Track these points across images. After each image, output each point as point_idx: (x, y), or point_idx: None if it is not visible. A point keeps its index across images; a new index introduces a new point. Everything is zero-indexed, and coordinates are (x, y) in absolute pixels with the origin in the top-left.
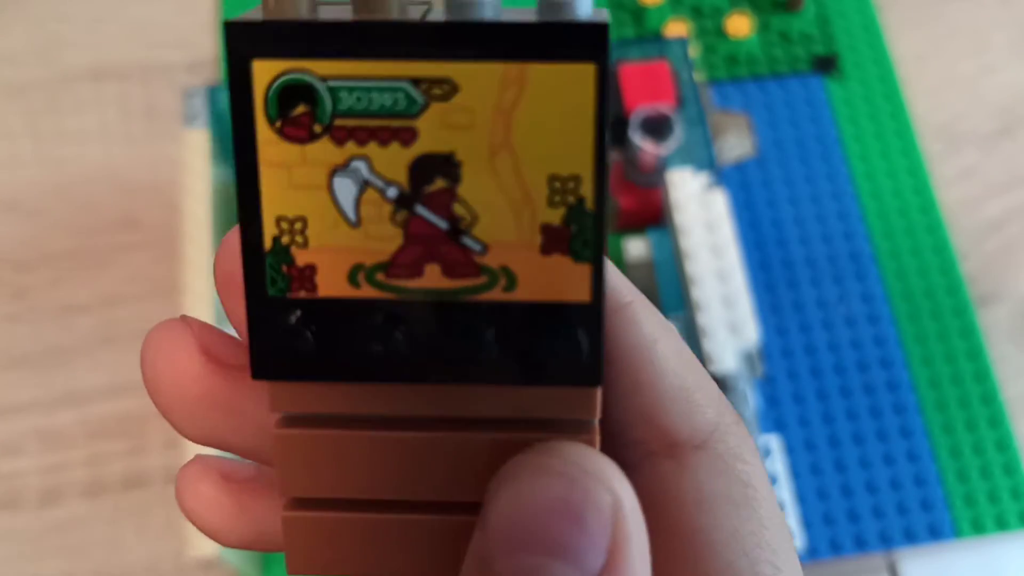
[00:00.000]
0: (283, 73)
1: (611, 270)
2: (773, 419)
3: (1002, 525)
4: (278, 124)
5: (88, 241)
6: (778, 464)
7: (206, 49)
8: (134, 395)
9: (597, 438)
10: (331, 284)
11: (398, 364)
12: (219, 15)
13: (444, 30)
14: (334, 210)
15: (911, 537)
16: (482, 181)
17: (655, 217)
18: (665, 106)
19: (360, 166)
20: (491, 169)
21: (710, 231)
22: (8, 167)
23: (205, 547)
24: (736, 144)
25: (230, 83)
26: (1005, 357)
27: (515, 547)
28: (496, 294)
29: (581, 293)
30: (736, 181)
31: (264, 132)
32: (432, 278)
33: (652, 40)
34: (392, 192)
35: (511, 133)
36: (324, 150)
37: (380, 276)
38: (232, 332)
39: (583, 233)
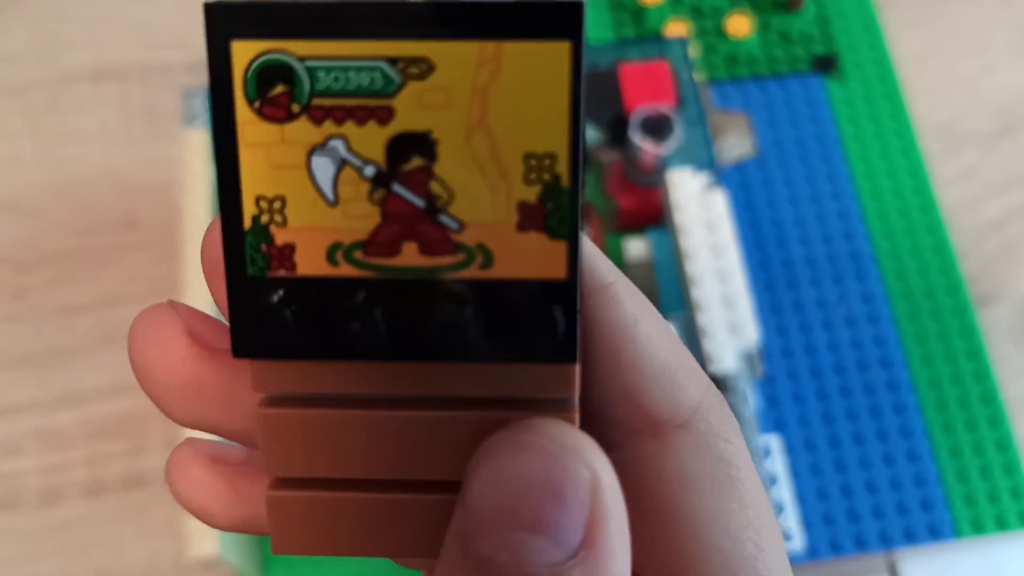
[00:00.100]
0: (262, 54)
1: (592, 251)
2: (773, 419)
3: (1002, 525)
4: (257, 104)
5: (88, 241)
6: (778, 464)
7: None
8: (134, 395)
9: (576, 416)
10: (310, 263)
11: (377, 342)
12: None
13: (420, 9)
14: (312, 189)
15: (911, 537)
16: (458, 159)
17: (655, 217)
18: (665, 106)
19: (338, 145)
20: (467, 147)
21: (710, 231)
22: (8, 167)
23: (205, 547)
24: (736, 144)
25: (209, 64)
26: (1005, 357)
27: (494, 524)
28: (473, 271)
29: (557, 270)
30: (736, 181)
31: (243, 112)
32: (410, 256)
33: (652, 40)
34: (369, 171)
35: (487, 111)
36: (302, 130)
37: (358, 254)
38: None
39: (559, 210)
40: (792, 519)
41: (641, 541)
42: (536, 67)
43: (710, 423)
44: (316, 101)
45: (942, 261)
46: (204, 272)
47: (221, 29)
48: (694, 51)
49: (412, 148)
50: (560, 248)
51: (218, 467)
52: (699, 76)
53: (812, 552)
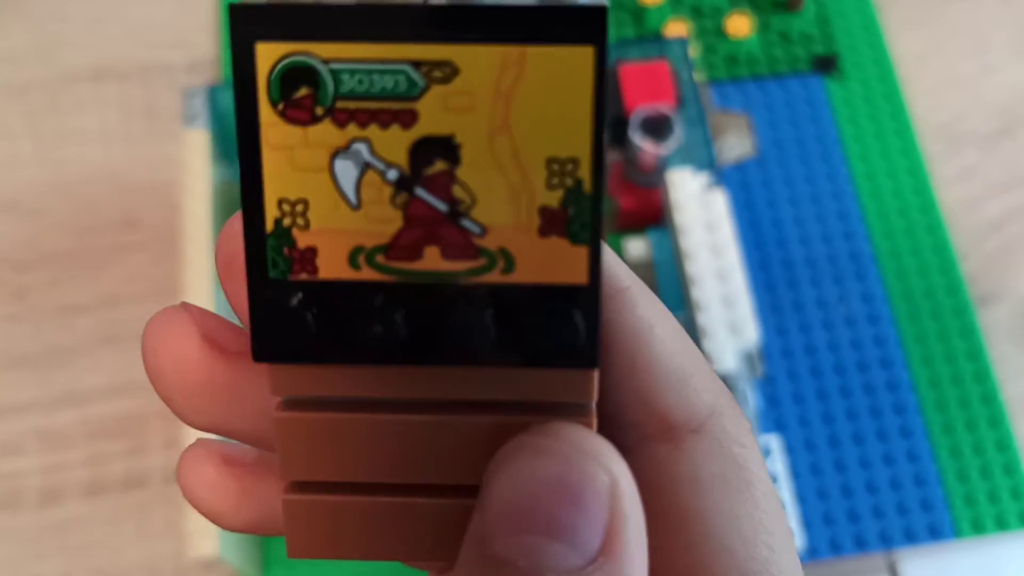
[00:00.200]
0: (286, 56)
1: (609, 255)
2: (773, 419)
3: (1002, 525)
4: (281, 106)
5: (88, 241)
6: (778, 464)
7: (206, 49)
8: (134, 395)
9: (594, 420)
10: (332, 266)
11: (398, 346)
12: (219, 15)
13: (445, 13)
14: (335, 192)
15: (911, 537)
16: (481, 163)
17: (655, 217)
18: (665, 106)
19: (361, 148)
20: (490, 151)
21: (710, 231)
22: (8, 167)
23: (205, 547)
24: (736, 144)
25: (233, 66)
26: (1005, 357)
27: (513, 527)
28: (495, 276)
29: (578, 275)
30: (736, 181)
31: (267, 115)
32: (431, 260)
33: (652, 40)
34: (392, 174)
35: (510, 116)
36: (326, 132)
37: (380, 258)
38: (233, 319)
39: (581, 215)
40: (792, 519)
41: (655, 544)
42: (560, 71)
43: (724, 427)
44: (340, 104)
45: (942, 261)
46: (219, 273)
47: (245, 31)
48: (694, 51)
49: (435, 152)
50: (582, 253)
51: (229, 468)
52: (699, 76)
53: (812, 552)
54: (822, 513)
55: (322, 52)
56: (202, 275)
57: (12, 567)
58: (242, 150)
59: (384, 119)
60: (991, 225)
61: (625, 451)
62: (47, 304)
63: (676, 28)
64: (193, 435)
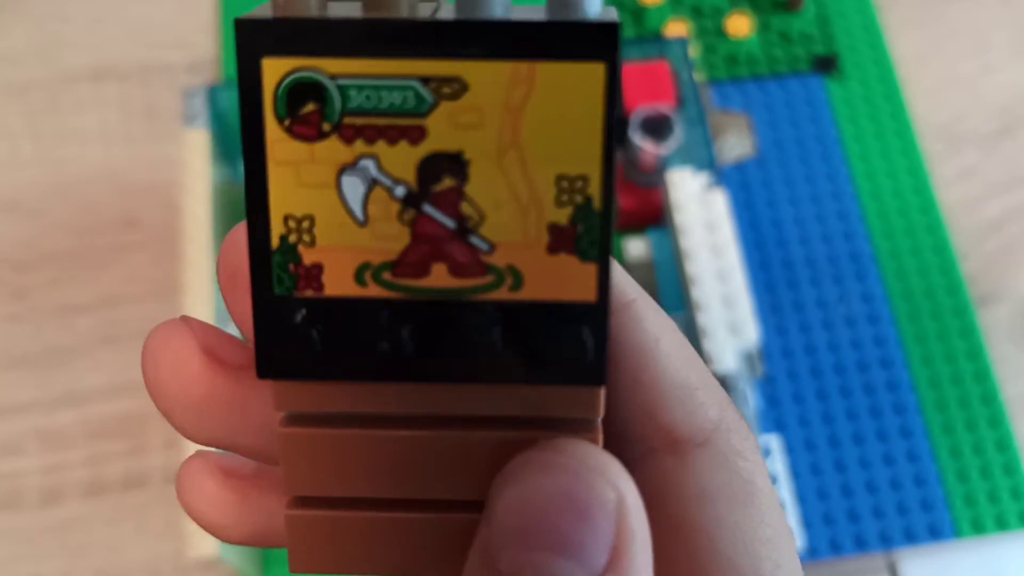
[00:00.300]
0: (293, 71)
1: (615, 269)
2: (773, 419)
3: (1002, 525)
4: (287, 122)
5: (88, 241)
6: (778, 464)
7: (206, 49)
8: (134, 395)
9: (600, 436)
10: (338, 283)
11: (404, 363)
12: (219, 15)
13: (454, 28)
14: (342, 209)
15: (911, 537)
16: (490, 180)
17: (655, 217)
18: (665, 106)
19: (368, 165)
20: (499, 168)
21: (710, 231)
22: (8, 167)
23: (205, 547)
24: (736, 144)
25: (240, 81)
26: (1005, 357)
27: (520, 542)
28: (502, 293)
29: (587, 292)
30: (736, 181)
31: (273, 130)
32: (439, 277)
33: (652, 40)
34: (400, 191)
35: (520, 132)
36: (333, 148)
37: (387, 275)
38: (233, 331)
39: (590, 233)
40: (792, 519)
41: (660, 558)
42: (570, 88)
43: (730, 441)
44: (347, 120)
45: (942, 261)
46: (221, 285)
47: (252, 46)
48: (694, 51)
49: (443, 168)
50: (591, 271)
51: (229, 480)
52: (699, 76)
53: (812, 552)
54: (822, 513)
55: (329, 67)
56: (202, 275)
57: (12, 567)
58: (248, 166)
59: (392, 135)
60: (991, 225)
61: (630, 464)
62: (47, 304)
63: (676, 28)
64: (199, 447)
